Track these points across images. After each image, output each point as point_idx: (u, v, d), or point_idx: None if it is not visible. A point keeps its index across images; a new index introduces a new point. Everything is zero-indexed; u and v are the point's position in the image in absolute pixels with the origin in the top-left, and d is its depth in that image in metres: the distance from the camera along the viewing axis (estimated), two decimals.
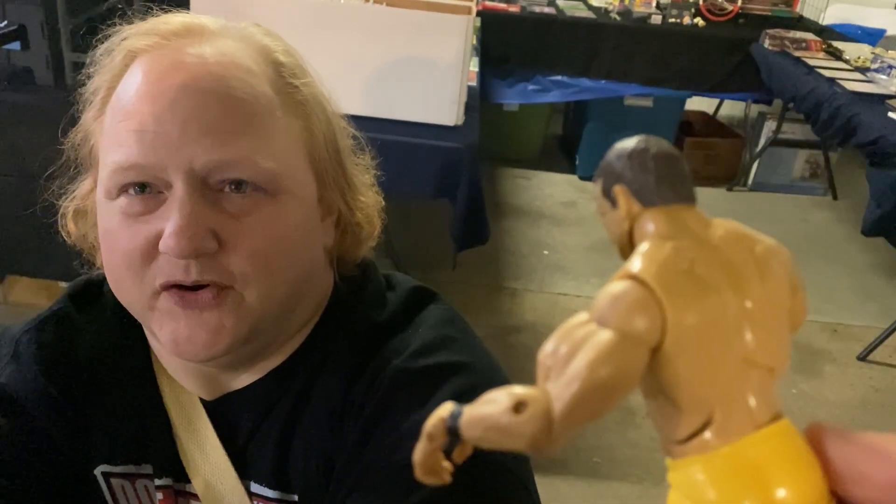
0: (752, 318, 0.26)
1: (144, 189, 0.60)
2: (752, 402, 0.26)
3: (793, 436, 0.26)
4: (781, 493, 0.25)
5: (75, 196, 0.70)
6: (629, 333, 0.25)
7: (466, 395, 0.67)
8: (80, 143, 0.67)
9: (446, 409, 0.28)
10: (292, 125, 0.65)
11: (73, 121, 0.68)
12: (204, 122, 0.60)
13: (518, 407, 0.25)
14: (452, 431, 0.27)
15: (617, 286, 0.26)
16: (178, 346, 0.62)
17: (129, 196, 0.61)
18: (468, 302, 2.80)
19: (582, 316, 0.26)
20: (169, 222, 0.59)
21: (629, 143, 0.28)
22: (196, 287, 0.61)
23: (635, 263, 0.26)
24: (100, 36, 0.67)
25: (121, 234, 0.61)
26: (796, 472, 0.26)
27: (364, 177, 0.74)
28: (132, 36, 0.64)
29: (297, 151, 0.66)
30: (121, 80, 0.63)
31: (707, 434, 0.26)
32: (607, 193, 0.28)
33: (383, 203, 0.76)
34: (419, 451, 0.28)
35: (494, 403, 0.25)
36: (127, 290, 0.63)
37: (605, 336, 0.25)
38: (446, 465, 0.29)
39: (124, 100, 0.61)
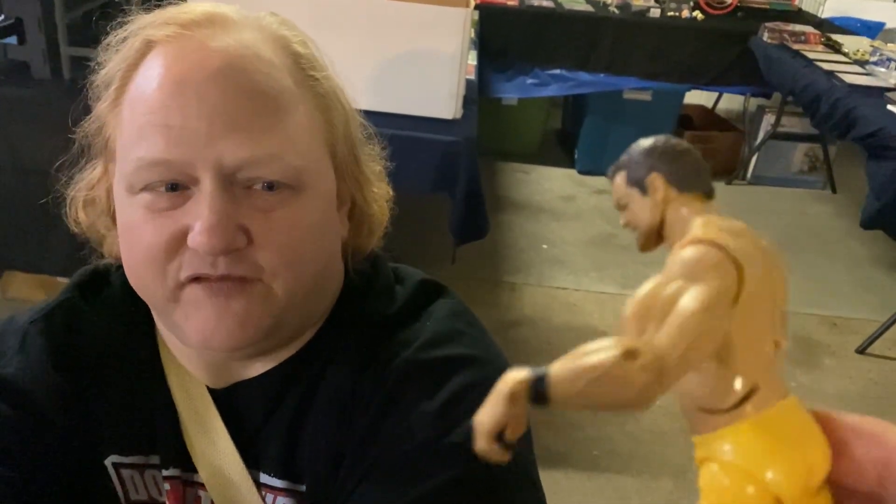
0: (775, 297, 0.28)
1: (176, 188, 0.60)
2: (778, 375, 0.28)
3: (804, 408, 0.29)
4: (807, 456, 0.27)
5: (83, 185, 0.69)
6: (720, 286, 0.26)
7: (474, 388, 0.67)
8: (93, 132, 0.66)
9: (523, 371, 0.26)
10: (314, 118, 0.65)
11: (79, 113, 0.67)
12: (232, 118, 0.59)
13: (630, 355, 0.25)
14: (538, 393, 0.26)
15: (693, 250, 0.27)
16: (205, 336, 0.61)
17: (154, 192, 0.60)
18: (467, 296, 2.76)
19: (653, 282, 0.27)
20: (199, 219, 0.58)
21: (657, 138, 0.31)
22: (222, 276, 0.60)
23: (700, 232, 0.28)
24: (114, 23, 0.66)
25: (144, 229, 0.60)
26: (815, 438, 0.28)
27: (374, 166, 0.74)
28: (150, 25, 0.63)
29: (319, 145, 0.66)
30: (138, 70, 0.62)
31: (748, 405, 0.27)
32: (638, 183, 0.30)
33: (392, 193, 0.76)
34: (489, 417, 0.27)
35: (599, 353, 0.25)
36: (148, 284, 0.63)
37: (702, 288, 0.26)
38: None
39: (147, 92, 0.60)
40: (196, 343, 0.63)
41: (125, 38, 0.64)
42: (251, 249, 0.60)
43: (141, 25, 0.64)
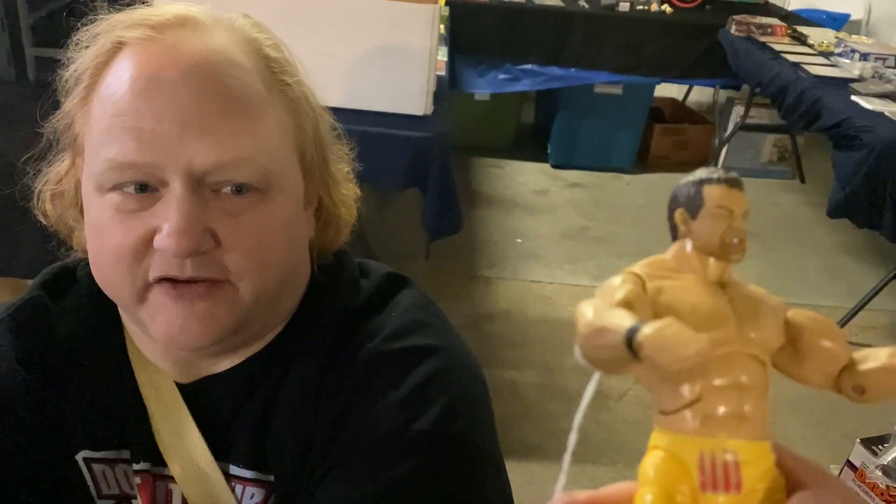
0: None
1: (145, 189, 0.60)
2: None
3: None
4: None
5: (51, 178, 0.69)
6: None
7: (439, 377, 0.68)
8: (62, 128, 0.67)
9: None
10: (283, 122, 0.66)
11: (46, 112, 0.67)
12: (203, 122, 0.60)
13: None
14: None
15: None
16: (172, 337, 0.62)
17: (123, 193, 0.61)
18: (442, 291, 2.80)
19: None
20: (167, 222, 0.59)
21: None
22: (189, 279, 0.61)
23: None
24: (84, 19, 0.66)
25: (112, 230, 0.61)
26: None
27: (342, 167, 0.75)
28: (121, 25, 0.63)
29: (288, 148, 0.66)
30: (108, 69, 0.62)
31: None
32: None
33: (359, 193, 0.78)
34: None
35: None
36: (116, 284, 0.63)
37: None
38: None
39: (117, 93, 0.60)
40: (162, 342, 0.64)
41: (96, 36, 0.64)
42: (218, 252, 0.61)
43: (112, 25, 0.64)
